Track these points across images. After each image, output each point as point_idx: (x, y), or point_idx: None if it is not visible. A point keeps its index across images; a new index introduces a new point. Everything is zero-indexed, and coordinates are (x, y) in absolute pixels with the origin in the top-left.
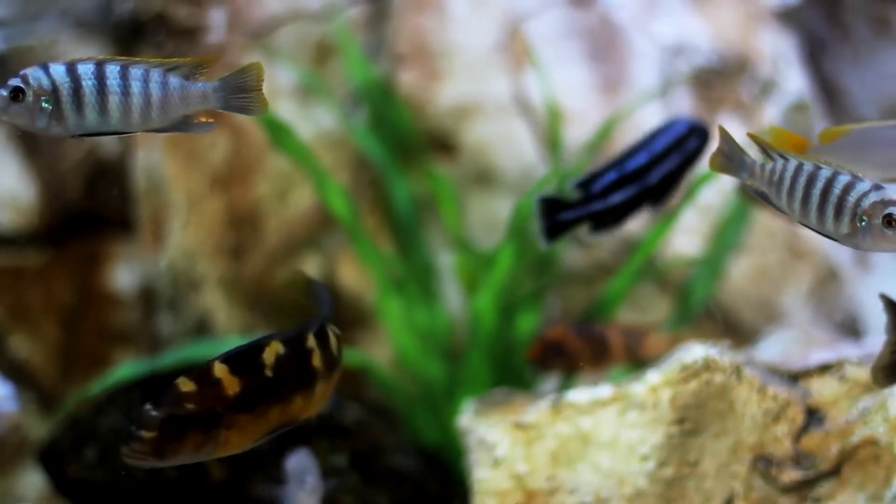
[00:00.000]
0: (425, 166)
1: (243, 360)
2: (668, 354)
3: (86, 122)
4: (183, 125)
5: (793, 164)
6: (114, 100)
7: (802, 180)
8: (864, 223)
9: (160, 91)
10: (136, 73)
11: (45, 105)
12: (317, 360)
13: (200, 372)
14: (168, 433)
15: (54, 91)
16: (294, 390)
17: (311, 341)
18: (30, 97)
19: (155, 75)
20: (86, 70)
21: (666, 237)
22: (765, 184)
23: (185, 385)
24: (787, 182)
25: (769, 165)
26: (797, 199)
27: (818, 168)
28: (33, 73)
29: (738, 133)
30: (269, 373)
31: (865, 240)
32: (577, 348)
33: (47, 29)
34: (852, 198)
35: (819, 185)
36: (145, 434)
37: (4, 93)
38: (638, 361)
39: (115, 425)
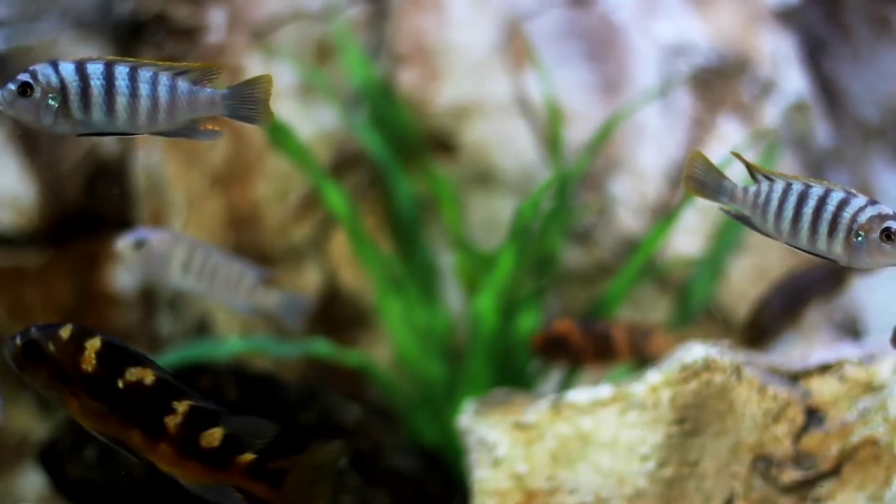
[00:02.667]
0: (425, 166)
1: (117, 354)
2: (669, 354)
3: (92, 122)
4: (188, 130)
5: (780, 184)
6: (121, 101)
7: (792, 199)
8: (860, 238)
9: (168, 94)
10: (144, 75)
11: (51, 102)
12: (172, 422)
13: (81, 332)
14: (27, 354)
15: (62, 88)
16: (133, 419)
17: (183, 407)
18: (37, 93)
19: (164, 78)
20: (95, 69)
21: (666, 237)
22: (748, 207)
23: (65, 331)
24: (774, 203)
25: (753, 188)
26: (786, 220)
27: (808, 186)
28: (42, 70)
29: (738, 134)
30: (120, 384)
31: (862, 256)
32: (582, 343)
33: (47, 29)
34: (848, 213)
35: (811, 203)
36: (17, 341)
37: (12, 87)
38: (642, 360)
39: None
